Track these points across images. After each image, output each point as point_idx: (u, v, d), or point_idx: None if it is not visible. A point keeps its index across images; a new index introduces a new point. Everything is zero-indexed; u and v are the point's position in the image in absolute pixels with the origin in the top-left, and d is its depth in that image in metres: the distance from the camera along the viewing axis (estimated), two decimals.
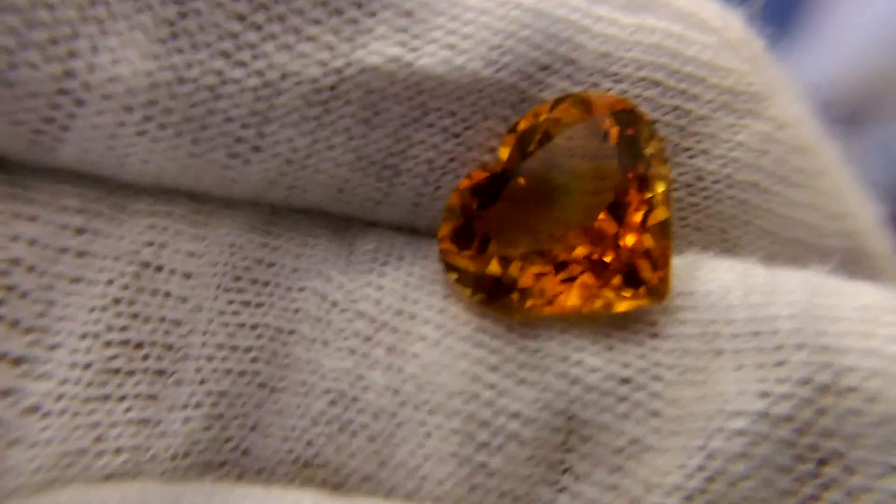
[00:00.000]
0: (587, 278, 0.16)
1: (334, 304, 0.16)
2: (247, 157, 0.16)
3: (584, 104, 0.16)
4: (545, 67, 0.16)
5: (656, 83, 0.16)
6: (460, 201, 0.16)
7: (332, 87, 0.15)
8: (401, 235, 0.17)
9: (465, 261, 0.16)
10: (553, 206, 0.16)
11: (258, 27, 0.15)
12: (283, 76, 0.15)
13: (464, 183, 0.16)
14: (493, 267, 0.16)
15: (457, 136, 0.16)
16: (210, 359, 0.16)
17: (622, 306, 0.16)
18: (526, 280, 0.16)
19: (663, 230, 0.16)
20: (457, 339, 0.16)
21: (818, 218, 0.18)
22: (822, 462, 0.14)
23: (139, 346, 0.16)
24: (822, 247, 0.18)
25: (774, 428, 0.14)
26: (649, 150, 0.16)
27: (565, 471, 0.15)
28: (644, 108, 0.16)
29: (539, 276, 0.16)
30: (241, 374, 0.16)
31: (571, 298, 0.16)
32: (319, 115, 0.16)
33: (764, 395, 0.14)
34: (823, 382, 0.14)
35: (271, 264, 0.17)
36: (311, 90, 0.15)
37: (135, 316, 0.16)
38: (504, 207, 0.16)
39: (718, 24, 0.17)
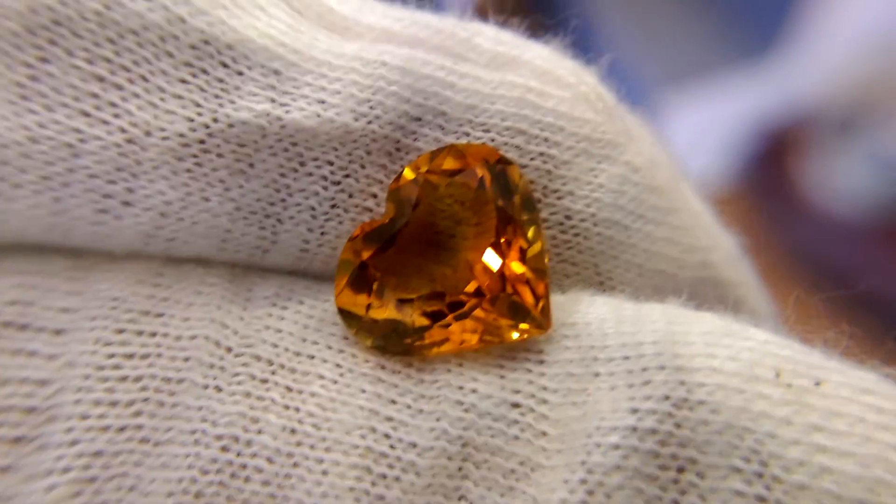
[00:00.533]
0: (479, 312, 0.17)
1: (228, 349, 0.16)
2: (117, 212, 0.16)
3: (460, 156, 0.17)
4: (416, 119, 0.17)
5: (521, 132, 0.18)
6: (352, 252, 0.17)
7: (202, 141, 0.16)
8: (301, 280, 0.18)
9: (362, 310, 0.17)
10: (441, 251, 0.17)
11: (119, 87, 0.15)
12: (148, 133, 0.15)
13: (354, 234, 0.17)
14: (391, 313, 0.17)
15: (337, 183, 0.17)
16: (84, 417, 0.15)
17: (511, 337, 0.17)
18: (422, 323, 0.17)
19: (539, 263, 0.17)
20: (355, 376, 0.16)
21: (676, 251, 0.20)
22: (681, 469, 0.15)
23: None
24: (684, 277, 0.20)
25: (642, 441, 0.15)
26: (519, 193, 0.17)
27: (461, 497, 0.15)
28: (513, 154, 0.18)
29: (434, 317, 0.17)
30: (121, 429, 0.15)
31: (466, 337, 0.17)
32: (191, 168, 0.16)
33: (633, 411, 0.15)
34: (680, 397, 0.15)
35: (159, 315, 0.16)
36: (179, 144, 0.16)
37: None
38: (396, 255, 0.17)
39: (572, 81, 0.18)
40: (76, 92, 0.15)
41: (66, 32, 0.15)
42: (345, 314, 0.17)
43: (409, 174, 0.17)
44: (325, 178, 0.17)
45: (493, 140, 0.17)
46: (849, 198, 0.79)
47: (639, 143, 0.19)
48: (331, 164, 0.17)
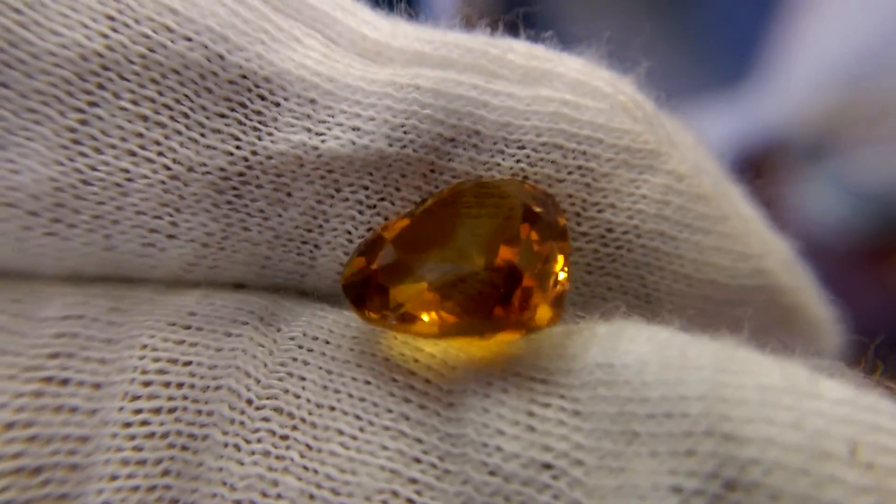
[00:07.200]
0: (460, 286, 0.15)
1: (249, 402, 0.16)
2: (162, 245, 0.16)
3: (495, 197, 0.16)
4: (451, 140, 0.17)
5: (558, 146, 0.17)
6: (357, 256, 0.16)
7: (241, 174, 0.16)
8: (330, 315, 0.17)
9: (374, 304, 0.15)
10: (451, 232, 0.16)
11: (162, 125, 0.16)
12: (191, 168, 0.16)
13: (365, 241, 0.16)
14: (397, 295, 0.15)
15: (372, 207, 0.17)
16: (113, 477, 0.15)
17: (491, 320, 0.15)
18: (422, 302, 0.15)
19: (534, 259, 0.15)
20: (376, 430, 0.15)
21: (727, 260, 0.19)
22: None
23: (37, 471, 0.15)
24: (737, 286, 0.19)
25: None
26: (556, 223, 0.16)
27: None
28: (550, 170, 0.17)
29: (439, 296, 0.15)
30: (150, 489, 0.15)
31: (444, 315, 0.15)
32: (231, 200, 0.16)
33: (676, 490, 0.13)
34: (730, 477, 0.13)
35: (187, 363, 0.16)
36: (220, 178, 0.16)
37: (33, 439, 0.15)
38: (410, 227, 0.16)
39: (609, 91, 0.18)
40: (123, 132, 0.16)
41: (113, 76, 0.15)
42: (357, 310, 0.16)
43: (432, 201, 0.16)
44: (360, 202, 0.17)
45: (528, 157, 0.17)
46: (818, 223, 0.79)
47: (682, 150, 0.19)
48: (366, 188, 0.17)
